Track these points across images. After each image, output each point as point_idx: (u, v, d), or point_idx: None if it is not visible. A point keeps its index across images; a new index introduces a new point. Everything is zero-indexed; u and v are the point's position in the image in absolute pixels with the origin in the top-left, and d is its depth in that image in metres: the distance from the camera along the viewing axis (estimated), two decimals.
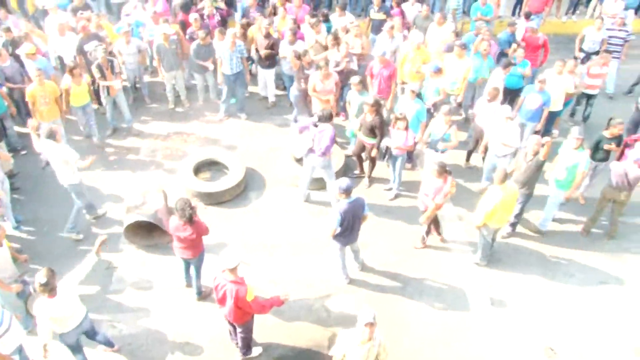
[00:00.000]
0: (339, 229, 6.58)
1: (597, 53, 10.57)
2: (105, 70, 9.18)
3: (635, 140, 7.85)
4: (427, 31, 10.77)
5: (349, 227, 6.63)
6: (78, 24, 10.19)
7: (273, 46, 10.05)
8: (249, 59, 10.70)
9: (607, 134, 7.97)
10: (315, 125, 7.79)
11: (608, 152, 8.09)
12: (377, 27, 11.28)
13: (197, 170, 8.90)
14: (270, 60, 10.25)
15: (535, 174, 7.39)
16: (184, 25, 10.76)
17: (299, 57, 9.26)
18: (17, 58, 9.39)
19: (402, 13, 11.42)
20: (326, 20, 10.89)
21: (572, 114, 10.68)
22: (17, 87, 9.21)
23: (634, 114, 9.49)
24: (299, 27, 10.36)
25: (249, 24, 10.61)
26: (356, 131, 8.56)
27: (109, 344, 6.19)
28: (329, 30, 10.55)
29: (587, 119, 10.45)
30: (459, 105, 10.18)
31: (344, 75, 9.43)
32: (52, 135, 7.24)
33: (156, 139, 9.97)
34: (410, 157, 9.08)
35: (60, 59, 10.48)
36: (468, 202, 8.40)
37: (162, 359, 6.35)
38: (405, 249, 7.82)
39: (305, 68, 9.35)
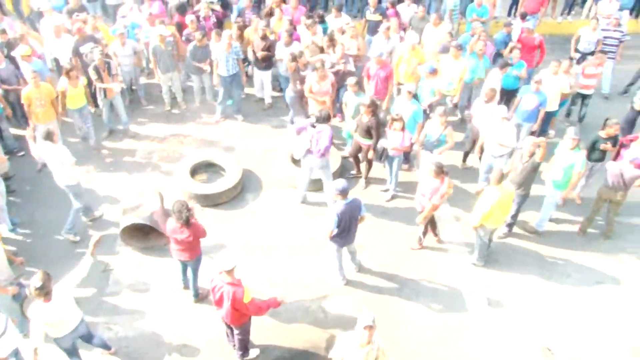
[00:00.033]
0: (335, 230, 6.58)
1: (592, 53, 10.60)
2: (102, 72, 9.16)
3: (631, 141, 7.88)
4: (423, 32, 10.79)
5: (346, 228, 6.63)
6: (74, 26, 10.16)
7: (269, 48, 10.05)
8: (246, 60, 10.70)
9: (603, 134, 7.99)
10: (313, 126, 7.79)
11: (604, 152, 8.11)
12: (373, 28, 11.30)
13: (194, 172, 8.89)
14: (267, 61, 10.25)
15: (531, 175, 7.40)
16: (180, 27, 10.76)
17: (294, 58, 9.26)
18: (12, 60, 9.36)
19: (396, 14, 11.44)
20: (322, 21, 10.89)
21: (568, 114, 10.71)
22: (12, 89, 9.18)
23: (629, 113, 9.53)
24: (295, 29, 10.37)
25: (244, 25, 10.61)
26: (352, 132, 8.57)
27: (105, 346, 6.16)
28: (325, 31, 10.56)
29: (582, 119, 10.49)
30: (455, 106, 10.20)
31: (340, 77, 9.43)
32: (49, 136, 7.23)
33: (152, 141, 9.96)
34: (407, 158, 9.09)
35: (56, 60, 10.45)
36: (465, 202, 8.41)
37: None
38: (402, 250, 7.83)
39: (300, 69, 9.35)
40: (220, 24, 11.14)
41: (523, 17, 11.23)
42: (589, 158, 8.07)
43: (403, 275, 7.44)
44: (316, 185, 8.45)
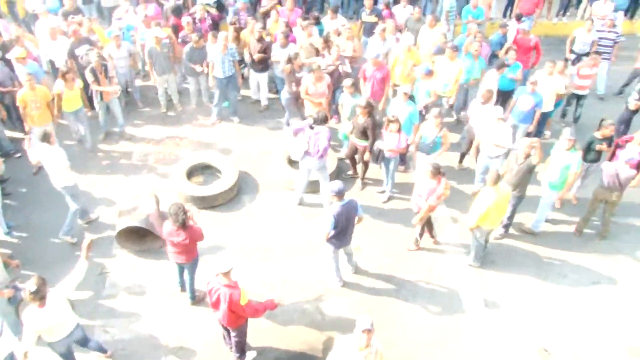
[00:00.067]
0: (332, 232, 6.58)
1: (587, 54, 10.65)
2: (99, 75, 9.14)
3: (627, 141, 7.90)
4: (418, 33, 10.81)
5: (343, 230, 6.62)
6: (69, 28, 10.14)
7: (266, 50, 10.05)
8: (242, 62, 10.70)
9: (598, 135, 8.02)
10: (311, 128, 7.78)
11: (600, 152, 8.14)
12: (369, 29, 11.31)
13: (190, 174, 8.87)
14: (263, 63, 10.25)
15: (527, 176, 7.41)
16: (176, 29, 10.76)
17: (289, 60, 9.27)
18: (7, 62, 9.33)
19: (391, 15, 11.46)
20: (318, 23, 10.90)
21: (564, 115, 10.74)
22: (7, 91, 9.14)
23: (624, 113, 9.55)
24: (291, 31, 10.37)
25: (240, 28, 10.60)
26: (348, 134, 8.57)
27: (101, 350, 6.14)
28: (321, 33, 10.57)
29: (578, 119, 10.53)
30: (451, 107, 10.21)
31: (336, 78, 9.43)
32: (46, 138, 7.20)
33: (148, 143, 9.94)
34: (403, 159, 9.10)
35: (51, 63, 10.43)
36: (461, 204, 8.42)
37: None
38: (399, 251, 7.83)
39: (296, 71, 9.35)
40: (216, 26, 11.13)
41: (518, 18, 11.27)
42: (584, 159, 8.09)
43: (400, 277, 7.44)
44: (312, 187, 8.45)
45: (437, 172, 7.00)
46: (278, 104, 10.63)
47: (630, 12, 14.13)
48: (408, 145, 8.32)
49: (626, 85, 11.45)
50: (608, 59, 11.04)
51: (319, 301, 7.06)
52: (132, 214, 7.47)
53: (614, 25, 11.04)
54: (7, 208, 8.13)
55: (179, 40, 10.52)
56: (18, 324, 6.09)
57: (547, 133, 10.07)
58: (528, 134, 9.04)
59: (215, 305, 5.62)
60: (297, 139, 7.93)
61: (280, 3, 11.86)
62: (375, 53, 9.38)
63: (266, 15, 11.43)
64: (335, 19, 11.04)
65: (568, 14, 14.50)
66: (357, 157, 8.84)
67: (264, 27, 10.55)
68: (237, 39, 10.37)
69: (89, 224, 8.10)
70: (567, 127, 7.75)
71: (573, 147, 7.47)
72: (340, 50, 9.68)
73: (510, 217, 7.88)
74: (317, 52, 9.93)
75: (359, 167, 8.94)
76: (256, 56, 10.07)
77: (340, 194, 6.44)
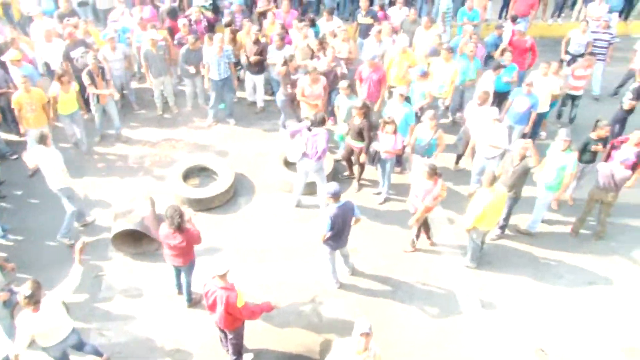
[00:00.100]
0: (329, 234, 6.58)
1: (582, 55, 10.67)
2: (96, 77, 9.12)
3: (622, 142, 7.93)
4: (414, 35, 10.82)
5: (339, 231, 6.62)
6: (65, 31, 10.11)
7: (262, 52, 10.05)
8: (238, 64, 10.69)
9: (594, 135, 8.05)
10: (309, 130, 7.77)
11: (595, 153, 8.16)
12: (364, 31, 11.33)
13: (186, 176, 8.85)
14: (259, 65, 10.25)
15: (522, 178, 7.43)
16: (172, 32, 10.74)
17: (284, 62, 9.27)
18: (2, 65, 9.30)
19: (385, 16, 11.48)
20: (313, 24, 10.91)
21: (559, 116, 10.77)
22: (2, 93, 9.10)
23: (618, 113, 9.55)
24: (287, 32, 10.37)
25: (236, 30, 10.60)
26: (345, 135, 8.57)
27: (97, 353, 6.10)
28: (316, 34, 10.58)
29: (573, 120, 10.56)
30: (447, 108, 10.23)
31: (332, 80, 9.43)
32: (42, 140, 7.18)
33: (144, 146, 9.92)
34: (399, 160, 9.10)
35: (47, 65, 10.39)
36: (457, 205, 8.43)
37: None
38: (395, 253, 7.83)
39: (291, 73, 9.35)
40: (211, 28, 11.13)
41: (514, 19, 11.30)
42: (580, 159, 8.11)
43: (396, 278, 7.44)
44: (309, 188, 8.44)
45: (434, 173, 7.01)
46: (274, 106, 10.62)
47: (624, 14, 14.17)
48: (404, 147, 8.33)
49: (621, 86, 11.48)
50: (603, 60, 11.09)
51: (315, 303, 7.05)
52: (127, 217, 7.44)
53: (609, 27, 11.09)
54: (2, 210, 8.12)
55: (175, 42, 10.50)
56: (13, 328, 6.07)
57: (543, 134, 10.11)
58: (524, 135, 9.07)
59: (212, 307, 5.61)
60: (294, 140, 7.93)
61: (276, 5, 11.84)
62: (370, 55, 9.39)
63: (262, 16, 11.41)
64: (331, 21, 11.06)
65: (563, 15, 14.54)
66: (353, 158, 8.85)
67: (260, 29, 10.56)
68: (234, 40, 10.36)
69: (85, 226, 8.07)
70: (563, 128, 7.78)
71: (569, 148, 7.49)
72: (336, 52, 9.69)
73: (506, 218, 7.89)
74: (313, 54, 9.93)
75: (355, 169, 8.94)
76: (252, 58, 10.07)
77: (336, 196, 6.44)
